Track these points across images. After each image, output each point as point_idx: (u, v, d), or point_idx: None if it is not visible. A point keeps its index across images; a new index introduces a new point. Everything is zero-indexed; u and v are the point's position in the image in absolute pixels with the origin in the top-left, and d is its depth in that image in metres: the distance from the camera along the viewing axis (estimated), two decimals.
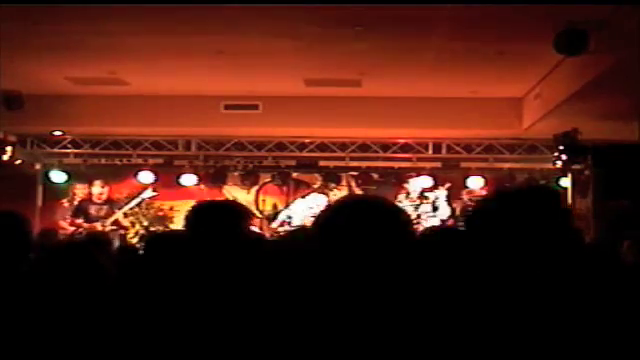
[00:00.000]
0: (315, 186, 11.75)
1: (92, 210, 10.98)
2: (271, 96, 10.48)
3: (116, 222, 10.98)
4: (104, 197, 11.09)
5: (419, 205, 10.86)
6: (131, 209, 11.48)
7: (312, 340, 1.85)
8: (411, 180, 11.35)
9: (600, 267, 2.18)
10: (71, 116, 10.75)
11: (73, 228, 10.71)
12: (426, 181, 11.22)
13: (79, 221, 10.85)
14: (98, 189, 11.12)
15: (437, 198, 11.07)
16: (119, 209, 11.10)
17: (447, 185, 11.28)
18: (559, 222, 2.09)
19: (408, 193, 11.16)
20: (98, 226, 10.74)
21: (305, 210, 11.42)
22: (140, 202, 11.59)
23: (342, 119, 10.73)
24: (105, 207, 11.01)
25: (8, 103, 10.00)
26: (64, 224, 10.83)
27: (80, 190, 11.49)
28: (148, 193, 11.56)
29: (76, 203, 11.37)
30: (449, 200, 11.25)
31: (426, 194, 11.24)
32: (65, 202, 11.44)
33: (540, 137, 10.73)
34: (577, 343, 1.91)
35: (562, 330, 1.91)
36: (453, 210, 11.28)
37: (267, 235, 10.55)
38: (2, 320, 2.68)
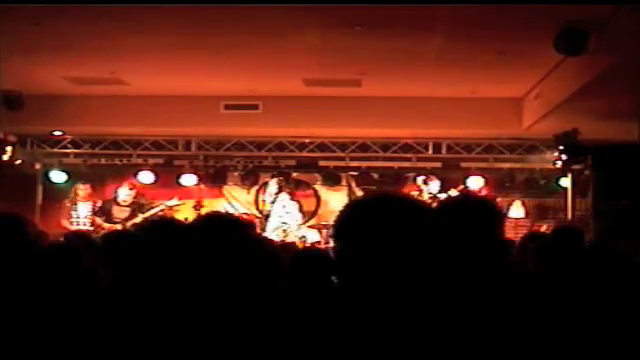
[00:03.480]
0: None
1: (115, 211, 10.82)
2: (271, 96, 10.48)
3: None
4: (130, 200, 10.88)
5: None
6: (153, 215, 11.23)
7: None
8: (430, 182, 11.27)
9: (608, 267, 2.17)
10: (71, 116, 10.75)
11: (92, 228, 10.47)
12: (437, 185, 11.22)
13: (99, 221, 10.76)
14: (126, 191, 10.92)
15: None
16: (142, 213, 10.87)
17: (459, 188, 11.26)
18: None
19: (421, 191, 11.11)
20: (118, 227, 10.63)
21: None
22: (163, 209, 11.33)
23: (342, 119, 10.73)
24: (129, 210, 10.83)
25: (8, 103, 10.00)
26: (66, 223, 10.80)
27: (82, 190, 11.33)
28: (174, 201, 11.37)
29: (99, 204, 11.11)
30: None
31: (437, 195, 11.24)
32: (67, 202, 11.32)
33: (540, 137, 10.73)
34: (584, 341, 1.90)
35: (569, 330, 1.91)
36: None
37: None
38: None
